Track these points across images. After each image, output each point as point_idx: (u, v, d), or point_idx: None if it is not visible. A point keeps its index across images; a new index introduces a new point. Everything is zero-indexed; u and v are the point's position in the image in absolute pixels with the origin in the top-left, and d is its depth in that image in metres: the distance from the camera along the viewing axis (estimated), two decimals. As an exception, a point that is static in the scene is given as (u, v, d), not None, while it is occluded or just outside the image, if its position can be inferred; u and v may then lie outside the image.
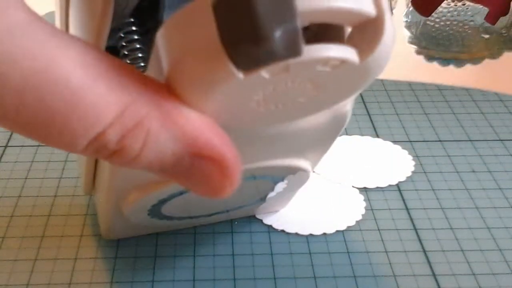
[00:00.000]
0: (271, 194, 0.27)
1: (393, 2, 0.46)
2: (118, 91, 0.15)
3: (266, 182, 0.25)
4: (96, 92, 0.14)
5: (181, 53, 0.15)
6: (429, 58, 0.45)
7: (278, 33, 0.13)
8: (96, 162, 0.25)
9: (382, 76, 0.43)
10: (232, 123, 0.18)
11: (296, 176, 0.26)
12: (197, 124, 0.15)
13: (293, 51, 0.14)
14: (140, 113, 0.15)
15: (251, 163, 0.23)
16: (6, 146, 0.35)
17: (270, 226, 0.29)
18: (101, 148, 0.15)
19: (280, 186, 0.26)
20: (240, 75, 0.14)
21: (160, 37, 0.16)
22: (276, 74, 0.15)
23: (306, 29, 0.15)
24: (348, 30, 0.16)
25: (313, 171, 0.32)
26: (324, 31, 0.16)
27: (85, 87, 0.14)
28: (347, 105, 0.21)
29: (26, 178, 0.32)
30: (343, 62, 0.15)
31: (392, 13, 0.47)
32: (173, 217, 0.27)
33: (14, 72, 0.14)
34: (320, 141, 0.23)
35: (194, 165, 0.16)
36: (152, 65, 0.17)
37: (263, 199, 0.27)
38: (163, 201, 0.24)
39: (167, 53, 0.15)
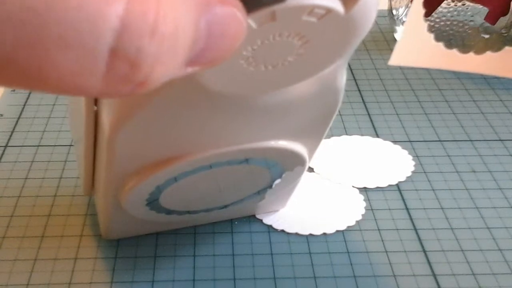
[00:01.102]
0: (270, 190, 0.27)
1: (394, 2, 0.46)
2: None
3: (261, 170, 0.25)
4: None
5: None
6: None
7: None
8: (95, 161, 0.25)
9: (383, 76, 0.43)
10: (223, 87, 0.18)
11: (294, 168, 0.26)
12: None
13: None
14: None
15: (244, 143, 0.23)
16: (6, 146, 0.35)
17: (270, 226, 0.29)
18: (133, 46, 0.12)
19: (277, 180, 0.26)
20: None
21: None
22: (263, 23, 0.15)
23: None
24: None
25: (311, 168, 0.33)
26: None
27: None
28: (338, 78, 0.21)
29: (26, 178, 0.32)
30: (329, 11, 0.16)
31: (393, 13, 0.47)
32: (172, 210, 0.27)
33: None
34: (314, 122, 0.23)
35: (212, 23, 0.14)
36: None
37: (261, 193, 0.27)
38: (160, 189, 0.24)
39: None
